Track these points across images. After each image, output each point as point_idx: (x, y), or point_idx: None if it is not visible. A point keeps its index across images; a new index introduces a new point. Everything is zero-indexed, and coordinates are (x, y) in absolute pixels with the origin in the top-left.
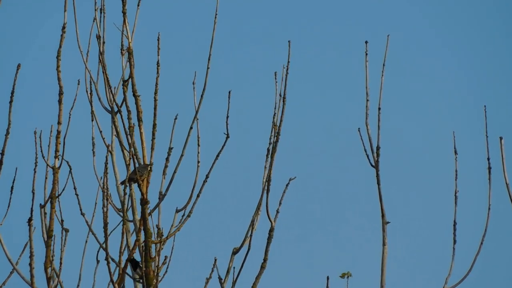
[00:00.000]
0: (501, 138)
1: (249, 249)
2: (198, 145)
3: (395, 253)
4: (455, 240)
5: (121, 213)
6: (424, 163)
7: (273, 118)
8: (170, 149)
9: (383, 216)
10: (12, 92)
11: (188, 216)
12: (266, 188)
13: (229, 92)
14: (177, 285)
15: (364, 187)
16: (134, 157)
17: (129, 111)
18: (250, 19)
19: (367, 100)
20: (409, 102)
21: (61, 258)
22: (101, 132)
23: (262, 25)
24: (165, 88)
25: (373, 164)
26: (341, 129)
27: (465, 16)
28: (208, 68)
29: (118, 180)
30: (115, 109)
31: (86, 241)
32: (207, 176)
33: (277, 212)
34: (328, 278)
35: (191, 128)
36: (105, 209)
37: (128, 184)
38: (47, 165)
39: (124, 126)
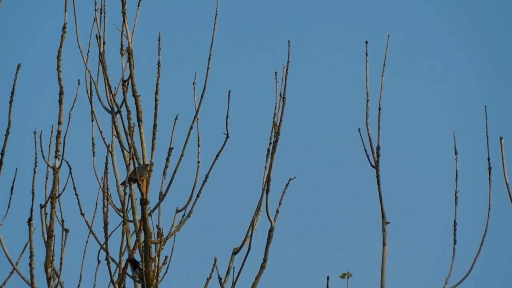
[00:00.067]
0: (501, 138)
1: (249, 249)
2: (198, 145)
3: (395, 253)
4: (455, 240)
5: (121, 213)
6: (424, 163)
7: (273, 118)
8: (170, 149)
9: (383, 216)
10: (12, 92)
11: (188, 216)
12: (266, 188)
13: (229, 92)
14: (177, 285)
15: (364, 187)
16: (134, 157)
17: (129, 111)
18: (250, 19)
19: (368, 100)
20: (410, 102)
21: (61, 258)
22: (101, 132)
23: (262, 25)
24: (165, 88)
25: (373, 164)
26: (341, 129)
27: (465, 16)
28: (208, 68)
29: (119, 180)
30: (115, 109)
31: (87, 242)
32: (206, 176)
33: (277, 212)
34: (328, 278)
35: (191, 128)
36: (105, 209)
37: (128, 184)
38: (48, 165)
39: (124, 126)
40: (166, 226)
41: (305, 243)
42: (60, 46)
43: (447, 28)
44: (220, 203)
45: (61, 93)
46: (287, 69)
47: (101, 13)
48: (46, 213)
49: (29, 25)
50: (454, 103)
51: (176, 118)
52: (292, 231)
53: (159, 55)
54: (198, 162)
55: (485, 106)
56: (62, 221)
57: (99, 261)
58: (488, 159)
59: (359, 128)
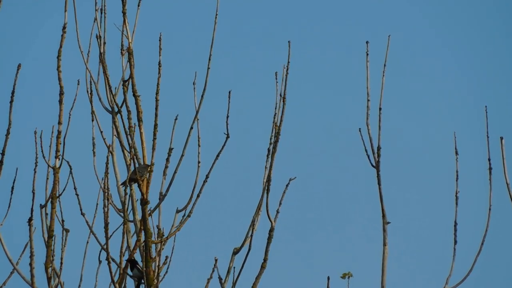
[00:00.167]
0: (501, 139)
1: (249, 249)
2: (199, 145)
3: (396, 253)
4: (455, 241)
5: (121, 214)
6: (425, 164)
7: (274, 118)
8: (171, 149)
9: (383, 216)
10: (13, 92)
11: (189, 216)
12: (266, 188)
13: (229, 92)
14: (178, 285)
15: (365, 187)
16: (135, 157)
17: (129, 111)
18: (251, 19)
19: (368, 100)
20: (410, 103)
21: (61, 258)
22: (101, 132)
23: (263, 25)
24: (165, 88)
25: (374, 164)
26: (342, 129)
27: (466, 16)
28: (208, 68)
29: (119, 180)
30: (116, 109)
31: (88, 242)
32: (207, 176)
33: (277, 212)
34: (328, 278)
35: (191, 128)
36: (106, 209)
37: (128, 185)
38: (48, 165)
39: (124, 126)
40: (166, 226)
41: (306, 243)
42: (60, 46)
43: (447, 28)
44: (221, 203)
45: (61, 93)
46: (287, 69)
47: (101, 13)
48: (46, 213)
49: (29, 25)
50: (454, 103)
51: (176, 118)
52: (292, 231)
53: (159, 55)
54: (199, 162)
55: (486, 106)
56: (63, 221)
57: (100, 261)
58: (489, 159)
59: (359, 128)
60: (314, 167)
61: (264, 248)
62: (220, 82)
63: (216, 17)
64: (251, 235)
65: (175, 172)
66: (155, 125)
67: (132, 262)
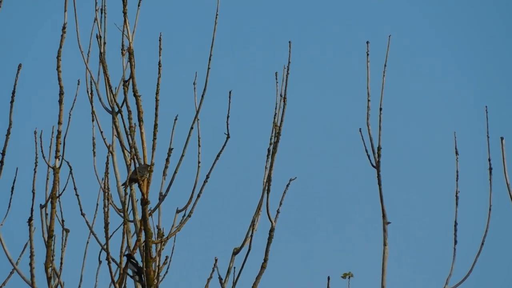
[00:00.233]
0: (502, 139)
1: (249, 249)
2: (199, 145)
3: (396, 253)
4: (456, 241)
5: (121, 214)
6: (425, 164)
7: (274, 118)
8: (171, 149)
9: (384, 216)
10: (13, 92)
11: (189, 216)
12: (267, 188)
13: (230, 92)
14: (178, 285)
15: (365, 188)
16: (135, 157)
17: (129, 111)
18: (251, 19)
19: (368, 100)
20: (410, 103)
21: (61, 258)
22: (101, 132)
23: (263, 25)
24: (165, 88)
25: (374, 164)
26: (342, 129)
27: (466, 16)
28: (209, 68)
29: (119, 180)
30: (116, 109)
31: (88, 242)
32: (207, 176)
33: (278, 212)
34: (329, 278)
35: (191, 128)
36: (106, 209)
37: (129, 185)
38: (48, 165)
39: (125, 126)
40: (166, 227)
41: (306, 243)
42: (60, 46)
43: (447, 28)
44: (221, 203)
45: (61, 93)
46: (288, 70)
47: (101, 13)
48: (46, 213)
49: (29, 25)
50: (454, 103)
51: (176, 118)
52: (292, 231)
53: (159, 55)
54: (199, 162)
55: (486, 107)
56: (63, 221)
57: (100, 262)
58: (489, 159)
59: (360, 128)
60: (314, 167)
61: (264, 248)
62: (220, 82)
63: (216, 17)
64: (251, 235)
65: (175, 172)
66: (155, 125)
67: (128, 257)
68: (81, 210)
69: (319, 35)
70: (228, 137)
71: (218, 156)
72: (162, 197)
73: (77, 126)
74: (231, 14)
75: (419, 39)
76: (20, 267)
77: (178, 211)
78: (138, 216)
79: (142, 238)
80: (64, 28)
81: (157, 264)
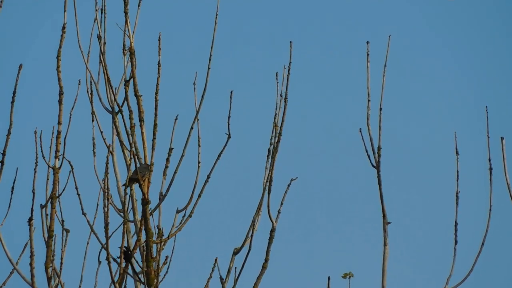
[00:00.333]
0: (502, 139)
1: (249, 250)
2: (199, 145)
3: (396, 253)
4: (456, 241)
5: (121, 214)
6: (425, 164)
7: (274, 118)
8: (171, 149)
9: (384, 216)
10: (14, 92)
11: (190, 216)
12: (267, 188)
13: (231, 93)
14: (178, 285)
15: (365, 188)
16: (136, 157)
17: (130, 111)
18: (251, 19)
19: (369, 101)
20: (411, 103)
21: (61, 258)
22: (101, 132)
23: (263, 25)
24: (165, 88)
25: (374, 164)
26: (342, 130)
27: (466, 16)
28: (209, 68)
29: (119, 180)
30: (116, 109)
31: (88, 242)
32: (208, 177)
33: (279, 212)
34: (329, 278)
35: (191, 128)
36: (106, 209)
37: (129, 185)
38: (48, 165)
39: (125, 126)
40: (166, 227)
41: (306, 243)
42: (60, 47)
43: (447, 28)
44: (221, 203)
45: (61, 93)
46: (289, 70)
47: (101, 13)
48: (46, 213)
49: (29, 25)
50: (455, 103)
51: (176, 119)
52: (293, 231)
53: (159, 55)
54: (199, 162)
55: (486, 107)
56: (63, 221)
57: (99, 262)
58: (489, 159)
59: (360, 128)
60: (315, 167)
61: (265, 249)
62: (220, 82)
63: (216, 17)
64: (251, 236)
65: (175, 172)
66: (155, 125)
67: (126, 253)
68: (82, 209)
69: (318, 35)
70: (229, 137)
71: (219, 156)
72: (162, 197)
73: (77, 126)
74: (231, 14)
75: (419, 39)
76: (20, 267)
77: (178, 211)
78: (138, 216)
79: (143, 238)
80: (64, 28)
81: (157, 264)
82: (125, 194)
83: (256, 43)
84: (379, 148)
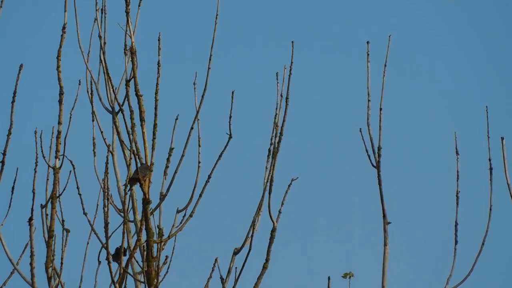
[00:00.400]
0: (502, 139)
1: (250, 250)
2: (199, 145)
3: (397, 253)
4: (456, 241)
5: (122, 214)
6: (426, 164)
7: (275, 118)
8: (171, 149)
9: (384, 216)
10: (14, 92)
11: (191, 216)
12: (268, 188)
13: (233, 93)
14: (178, 285)
15: (365, 188)
16: (136, 156)
17: (131, 111)
18: (251, 19)
19: (369, 100)
20: (411, 103)
21: (62, 258)
22: (102, 132)
23: (264, 25)
24: (166, 88)
25: (375, 164)
26: (343, 130)
27: (465, 16)
28: (209, 68)
29: (119, 180)
30: (117, 108)
31: (88, 242)
32: (209, 177)
33: (280, 212)
34: (329, 278)
35: (192, 128)
36: (106, 209)
37: (129, 185)
38: (48, 165)
39: (126, 126)
40: (166, 227)
41: (306, 243)
42: (60, 46)
43: (447, 28)
44: (221, 203)
45: (61, 93)
46: (290, 70)
47: (102, 13)
48: (46, 213)
49: (29, 25)
50: (455, 103)
51: (176, 118)
52: (293, 231)
53: (159, 55)
54: (199, 162)
55: (486, 107)
56: (63, 221)
57: (100, 262)
58: (489, 159)
59: (360, 128)
60: (315, 167)
61: (265, 248)
62: (220, 82)
63: (216, 17)
64: (252, 236)
65: (175, 172)
66: (155, 125)
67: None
68: (83, 209)
69: (318, 35)
70: (230, 137)
71: (220, 156)
72: (163, 197)
73: (77, 126)
74: (231, 14)
75: (419, 39)
76: (20, 267)
77: (178, 211)
78: (138, 216)
79: (143, 238)
80: (64, 28)
81: (158, 264)
82: (125, 194)
83: (257, 43)
84: (379, 148)
